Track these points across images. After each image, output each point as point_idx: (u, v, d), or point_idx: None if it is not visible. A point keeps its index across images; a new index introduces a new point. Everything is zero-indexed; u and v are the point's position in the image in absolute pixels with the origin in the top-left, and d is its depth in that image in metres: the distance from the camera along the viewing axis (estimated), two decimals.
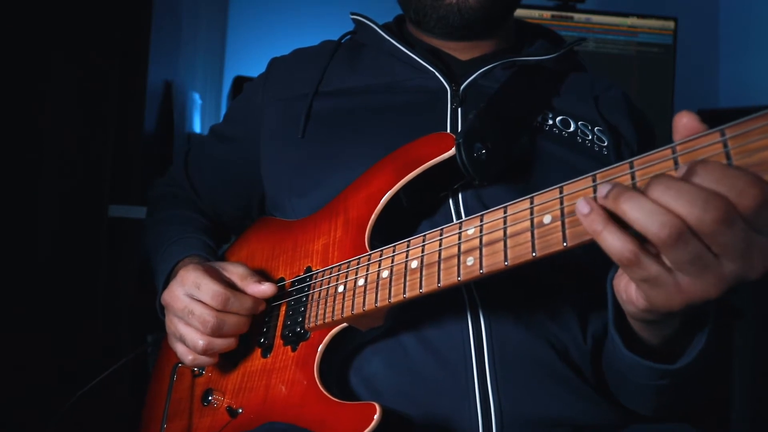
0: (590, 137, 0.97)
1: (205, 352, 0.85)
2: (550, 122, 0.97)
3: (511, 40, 1.10)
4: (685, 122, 0.53)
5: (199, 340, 0.84)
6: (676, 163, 0.53)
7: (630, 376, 0.74)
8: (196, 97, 2.23)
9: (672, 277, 0.52)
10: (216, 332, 0.84)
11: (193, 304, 0.85)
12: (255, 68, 1.21)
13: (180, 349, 0.88)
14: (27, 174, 1.56)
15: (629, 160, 0.56)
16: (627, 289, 0.60)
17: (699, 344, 0.66)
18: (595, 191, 0.57)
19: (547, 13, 2.26)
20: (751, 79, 2.56)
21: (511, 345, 0.81)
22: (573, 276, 0.88)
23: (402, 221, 0.86)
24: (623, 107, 1.04)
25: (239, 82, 2.04)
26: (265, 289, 0.88)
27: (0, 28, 1.53)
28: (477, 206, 0.85)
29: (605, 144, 0.97)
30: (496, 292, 0.82)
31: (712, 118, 0.52)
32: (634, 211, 0.50)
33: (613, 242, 0.52)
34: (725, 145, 0.50)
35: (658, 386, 0.73)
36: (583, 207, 0.53)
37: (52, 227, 1.58)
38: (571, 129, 0.97)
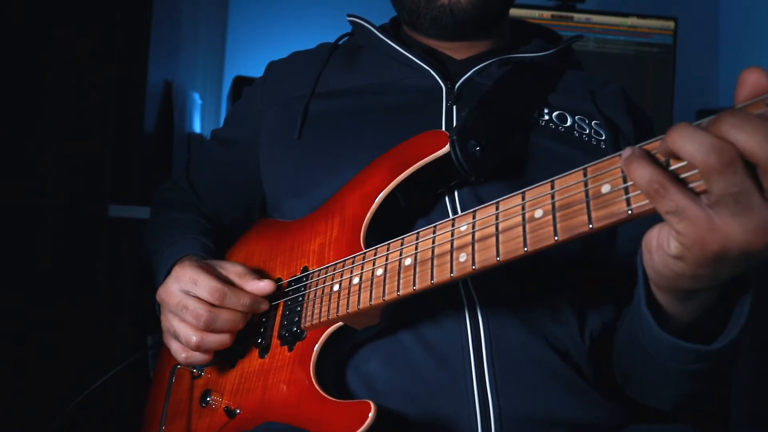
0: (587, 131, 0.96)
1: (198, 347, 0.85)
2: (546, 117, 0.96)
3: (508, 39, 1.10)
4: (753, 79, 0.50)
5: (192, 336, 0.84)
6: None
7: (660, 360, 0.69)
8: (196, 97, 2.23)
9: (702, 211, 0.50)
10: (209, 327, 0.84)
11: (187, 299, 0.85)
12: (255, 68, 1.22)
13: (174, 346, 0.88)
14: (27, 174, 1.57)
15: (623, 151, 0.55)
16: (659, 236, 0.56)
17: (739, 321, 0.63)
18: (585, 185, 0.57)
19: (547, 13, 2.26)
20: None
21: (510, 343, 0.80)
22: (571, 275, 0.88)
23: (398, 219, 0.86)
24: (621, 101, 1.03)
25: (239, 82, 2.05)
26: (264, 285, 0.88)
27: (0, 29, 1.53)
28: (473, 203, 0.85)
29: (603, 138, 0.96)
30: (494, 291, 0.82)
31: None
32: (687, 144, 0.48)
33: (642, 172, 0.51)
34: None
35: (691, 371, 0.68)
36: (625, 151, 0.53)
37: (52, 227, 1.58)
38: (568, 124, 0.96)
